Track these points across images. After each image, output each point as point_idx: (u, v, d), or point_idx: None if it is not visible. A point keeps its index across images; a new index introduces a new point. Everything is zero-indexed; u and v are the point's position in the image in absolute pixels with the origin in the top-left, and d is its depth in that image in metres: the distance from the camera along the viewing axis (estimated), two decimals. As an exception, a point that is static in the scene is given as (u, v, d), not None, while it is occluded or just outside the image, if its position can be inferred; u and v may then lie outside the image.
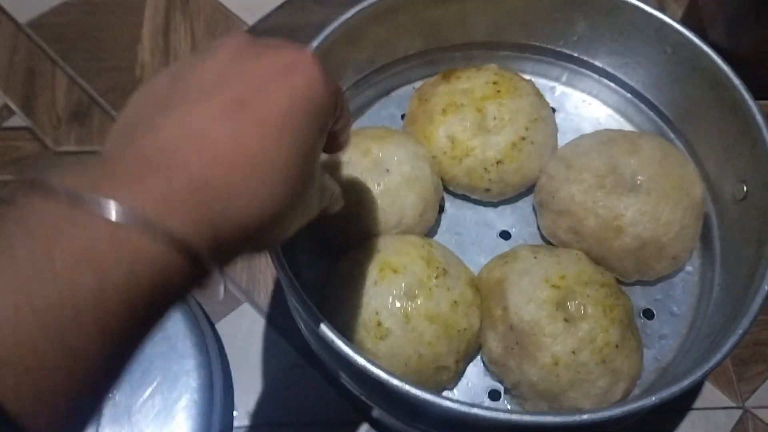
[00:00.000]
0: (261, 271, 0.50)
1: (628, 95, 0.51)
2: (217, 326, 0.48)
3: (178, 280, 0.20)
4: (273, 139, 0.23)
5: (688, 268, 0.46)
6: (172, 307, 0.21)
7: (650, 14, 0.45)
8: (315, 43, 0.42)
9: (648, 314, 0.44)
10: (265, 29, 0.62)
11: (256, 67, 0.25)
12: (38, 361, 0.17)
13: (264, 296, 0.49)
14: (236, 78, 0.24)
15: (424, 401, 0.33)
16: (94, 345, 0.18)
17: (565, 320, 0.38)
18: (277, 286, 0.49)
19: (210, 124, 0.23)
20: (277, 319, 0.48)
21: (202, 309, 0.47)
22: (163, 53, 0.60)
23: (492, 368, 0.41)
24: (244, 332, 0.48)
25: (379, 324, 0.38)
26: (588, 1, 0.46)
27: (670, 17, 0.45)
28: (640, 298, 0.45)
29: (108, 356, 0.19)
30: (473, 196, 0.48)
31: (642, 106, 0.50)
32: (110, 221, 0.19)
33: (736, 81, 0.42)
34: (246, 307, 0.49)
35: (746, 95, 0.41)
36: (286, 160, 0.24)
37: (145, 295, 0.19)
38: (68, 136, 0.56)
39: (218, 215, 0.21)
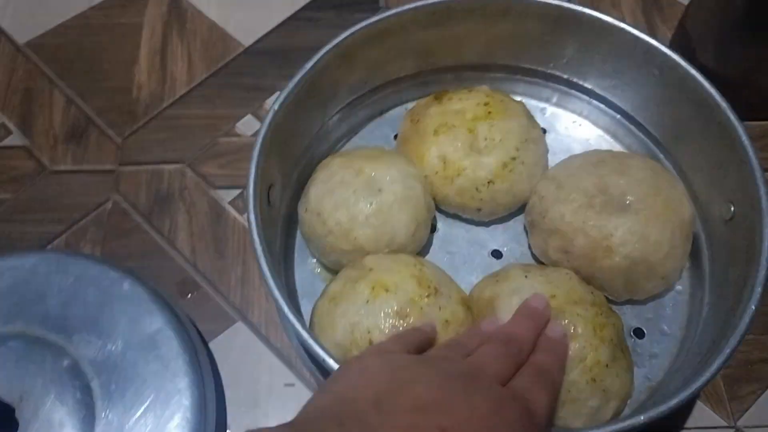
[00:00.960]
0: (255, 290, 0.50)
1: (618, 116, 0.51)
2: (210, 345, 0.48)
3: None
4: None
5: (678, 287, 0.46)
6: None
7: (638, 37, 0.46)
8: (309, 65, 0.43)
9: (638, 333, 0.45)
10: (260, 50, 0.63)
11: None
12: None
13: (257, 315, 0.49)
14: None
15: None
16: None
17: (556, 339, 0.38)
18: (271, 305, 0.50)
19: None
20: (270, 338, 0.48)
21: (195, 328, 0.48)
22: (159, 74, 0.61)
23: (483, 387, 0.41)
24: (237, 351, 0.48)
25: (371, 342, 0.38)
26: (577, 25, 0.47)
27: (657, 40, 0.46)
28: (630, 317, 0.45)
29: None
30: (465, 216, 0.48)
31: (631, 127, 0.51)
32: None
33: (723, 103, 0.42)
34: (239, 326, 0.49)
35: (732, 117, 0.42)
36: None
37: None
38: (65, 155, 0.57)
39: None
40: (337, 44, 0.44)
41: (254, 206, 0.39)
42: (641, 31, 0.46)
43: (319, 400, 0.29)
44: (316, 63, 0.43)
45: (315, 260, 0.47)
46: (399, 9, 0.46)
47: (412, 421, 0.27)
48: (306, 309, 0.45)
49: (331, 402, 0.29)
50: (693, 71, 0.44)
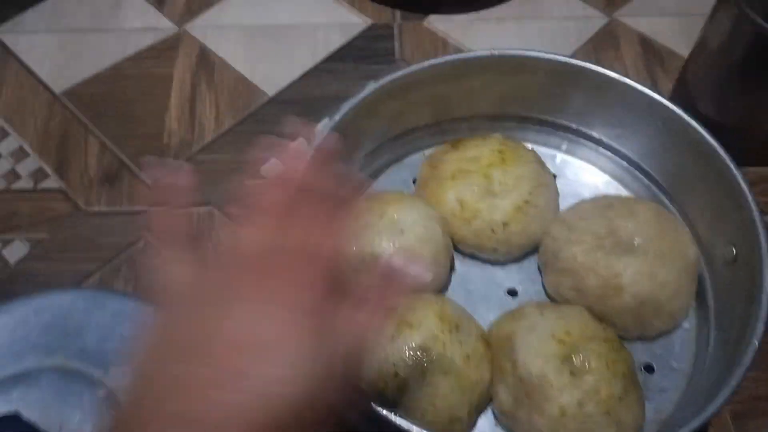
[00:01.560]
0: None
1: (624, 163, 0.54)
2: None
3: None
4: None
5: (686, 324, 0.48)
6: None
7: (640, 91, 0.49)
8: (337, 117, 0.46)
9: (649, 368, 0.47)
10: (283, 100, 0.66)
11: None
12: None
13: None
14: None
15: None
16: None
17: (571, 373, 0.40)
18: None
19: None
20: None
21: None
22: (189, 122, 0.64)
23: (502, 419, 0.43)
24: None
25: (396, 376, 0.41)
26: (583, 79, 0.51)
27: (659, 92, 0.49)
28: (640, 353, 0.47)
29: None
30: (482, 256, 0.51)
31: (637, 173, 0.54)
32: None
33: (722, 152, 0.45)
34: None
35: (731, 165, 0.45)
36: None
37: None
38: (99, 197, 0.59)
39: None
40: (363, 98, 0.47)
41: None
42: (643, 84, 0.49)
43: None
44: (343, 115, 0.47)
45: (339, 298, 0.50)
46: (421, 65, 0.49)
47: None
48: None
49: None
50: (693, 122, 0.47)
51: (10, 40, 0.71)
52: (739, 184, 0.44)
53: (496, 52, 0.50)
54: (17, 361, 0.46)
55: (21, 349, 0.46)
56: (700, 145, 0.47)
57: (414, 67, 0.49)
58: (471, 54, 0.50)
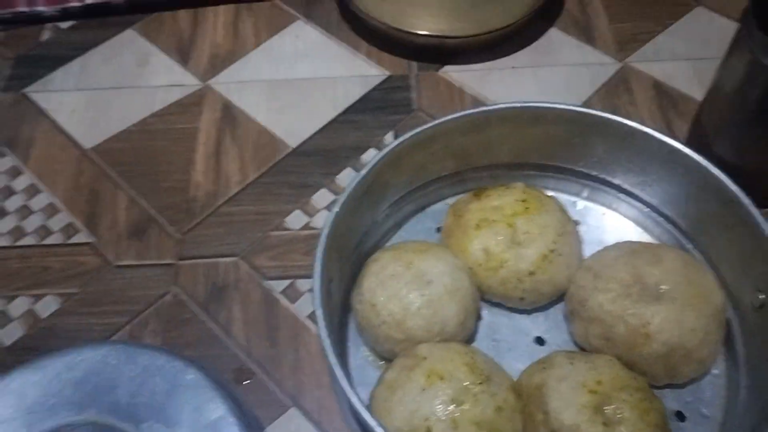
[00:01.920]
0: (306, 376, 0.53)
1: (646, 209, 0.55)
2: (267, 431, 0.50)
3: None
4: None
5: (715, 371, 0.48)
6: None
7: (661, 140, 0.50)
8: (364, 172, 0.48)
9: (680, 416, 0.46)
10: (305, 151, 0.68)
11: None
12: None
13: (310, 401, 0.51)
14: None
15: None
16: None
17: (604, 424, 0.40)
18: (322, 391, 0.52)
19: None
20: (323, 424, 0.50)
21: (253, 414, 0.50)
22: (214, 174, 0.66)
23: (535, 471, 0.43)
24: (292, 437, 0.50)
25: (429, 430, 0.41)
26: (604, 129, 0.52)
27: (677, 140, 0.50)
28: (671, 400, 0.47)
29: None
30: (508, 305, 0.51)
31: (660, 219, 0.54)
32: None
33: (745, 200, 0.46)
34: (293, 412, 0.51)
35: (755, 212, 0.45)
36: None
37: None
38: (128, 251, 0.61)
39: None
40: (389, 151, 0.49)
41: (321, 302, 0.42)
42: (663, 133, 0.50)
43: None
44: (372, 167, 0.48)
45: (368, 348, 0.50)
46: (443, 119, 0.51)
47: None
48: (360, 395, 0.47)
49: None
50: (715, 170, 0.48)
51: (40, 99, 0.73)
52: (764, 232, 0.44)
53: (516, 105, 0.51)
54: (51, 416, 0.46)
55: (54, 404, 0.47)
56: (723, 191, 0.47)
57: (437, 122, 0.51)
58: (492, 107, 0.52)
